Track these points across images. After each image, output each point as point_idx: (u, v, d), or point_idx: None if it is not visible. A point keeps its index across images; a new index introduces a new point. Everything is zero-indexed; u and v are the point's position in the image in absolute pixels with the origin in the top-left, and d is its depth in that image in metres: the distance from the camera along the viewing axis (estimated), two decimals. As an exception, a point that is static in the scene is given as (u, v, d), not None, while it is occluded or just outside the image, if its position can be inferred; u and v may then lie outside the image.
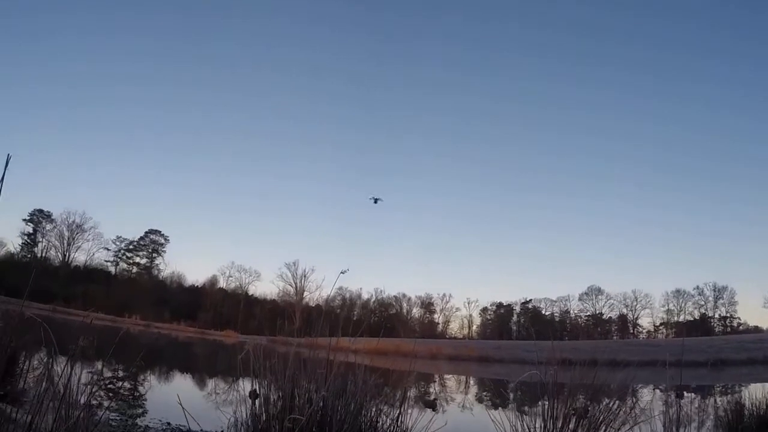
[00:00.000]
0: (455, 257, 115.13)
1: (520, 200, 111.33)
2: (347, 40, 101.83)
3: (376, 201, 21.88)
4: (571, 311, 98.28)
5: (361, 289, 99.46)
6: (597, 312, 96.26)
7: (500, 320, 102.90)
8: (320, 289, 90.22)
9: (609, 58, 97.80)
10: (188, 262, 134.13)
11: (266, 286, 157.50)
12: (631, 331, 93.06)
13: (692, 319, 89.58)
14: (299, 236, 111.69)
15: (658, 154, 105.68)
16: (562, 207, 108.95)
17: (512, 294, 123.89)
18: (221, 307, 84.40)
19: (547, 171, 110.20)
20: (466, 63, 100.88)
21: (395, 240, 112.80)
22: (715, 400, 13.88)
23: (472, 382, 23.18)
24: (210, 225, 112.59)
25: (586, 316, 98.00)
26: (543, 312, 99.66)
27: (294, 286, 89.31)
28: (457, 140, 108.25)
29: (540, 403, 4.59)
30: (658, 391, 28.12)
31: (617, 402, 4.59)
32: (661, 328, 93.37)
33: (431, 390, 16.08)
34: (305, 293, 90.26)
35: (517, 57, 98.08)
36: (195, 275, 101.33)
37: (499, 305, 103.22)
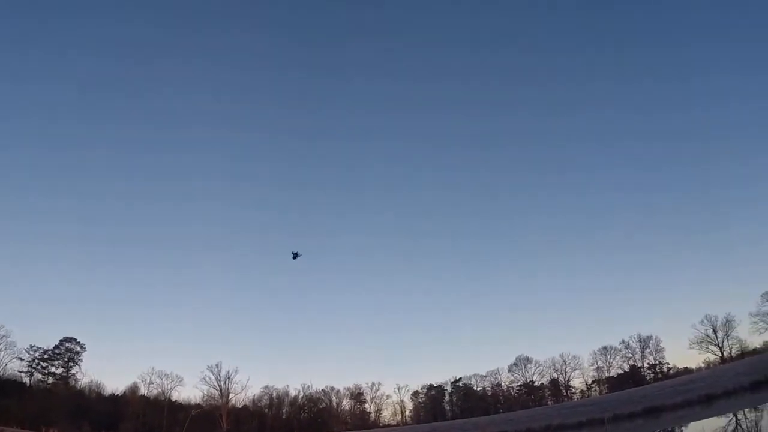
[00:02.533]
0: (382, 343, 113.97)
1: (435, 284, 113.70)
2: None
3: (295, 257, 21.02)
4: (503, 383, 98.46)
5: (287, 386, 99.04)
6: (528, 380, 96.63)
7: (432, 402, 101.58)
8: (246, 389, 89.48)
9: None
10: (106, 370, 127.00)
11: (190, 391, 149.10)
12: (564, 393, 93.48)
13: (623, 372, 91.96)
14: (220, 337, 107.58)
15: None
16: (484, 285, 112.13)
17: (442, 374, 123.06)
18: (144, 415, 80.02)
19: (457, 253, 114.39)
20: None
21: (319, 334, 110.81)
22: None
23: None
24: (127, 332, 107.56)
25: (518, 386, 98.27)
26: (474, 388, 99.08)
27: (218, 388, 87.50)
28: (380, 233, 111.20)
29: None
30: None
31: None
32: (593, 386, 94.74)
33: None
34: (231, 395, 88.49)
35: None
36: (114, 383, 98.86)
37: (430, 387, 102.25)
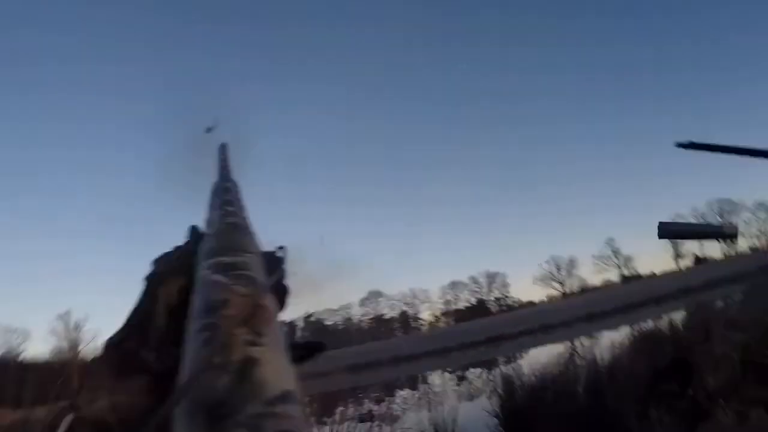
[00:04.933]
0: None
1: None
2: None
3: (209, 130, 17.24)
4: (354, 318, 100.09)
5: None
6: (379, 314, 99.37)
7: (285, 338, 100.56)
8: (97, 338, 78.70)
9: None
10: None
11: (40, 346, 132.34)
12: (413, 325, 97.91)
13: (470, 305, 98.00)
14: (69, 281, 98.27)
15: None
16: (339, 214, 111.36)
17: (293, 311, 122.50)
18: (-14, 379, 67.50)
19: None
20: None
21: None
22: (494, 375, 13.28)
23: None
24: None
25: (369, 319, 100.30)
26: (326, 323, 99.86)
27: (69, 340, 76.68)
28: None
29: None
30: (446, 373, 26.22)
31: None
32: (441, 317, 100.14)
33: None
34: (80, 346, 77.52)
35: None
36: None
37: (281, 324, 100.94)
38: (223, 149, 1.05)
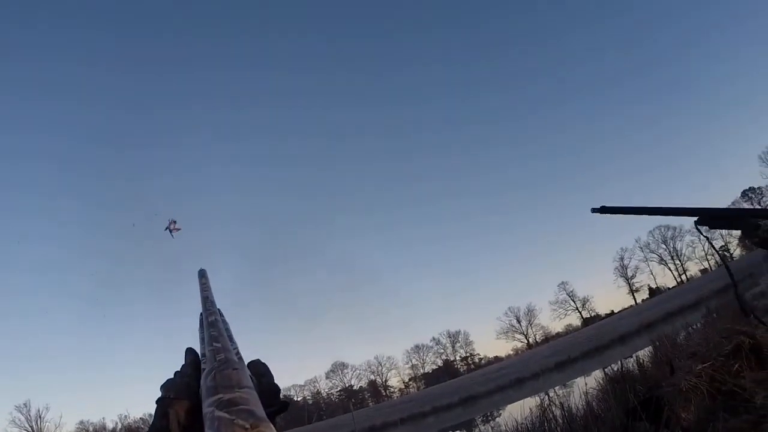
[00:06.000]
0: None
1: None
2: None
3: (171, 230, 16.86)
4: (322, 391, 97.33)
5: (104, 418, 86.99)
6: (347, 385, 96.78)
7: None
8: (59, 427, 79.41)
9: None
10: None
11: None
12: (384, 393, 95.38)
13: (437, 367, 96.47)
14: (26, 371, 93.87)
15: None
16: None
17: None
18: (-50, 477, 68.95)
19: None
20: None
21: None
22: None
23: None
24: None
25: (337, 391, 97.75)
26: (295, 398, 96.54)
27: (31, 430, 76.78)
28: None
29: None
30: None
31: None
32: (410, 383, 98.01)
33: None
34: None
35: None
36: None
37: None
38: (202, 275, 1.10)
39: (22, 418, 76.53)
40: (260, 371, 0.82)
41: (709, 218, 2.17)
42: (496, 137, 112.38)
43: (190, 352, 0.87)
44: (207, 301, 1.01)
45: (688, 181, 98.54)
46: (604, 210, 2.30)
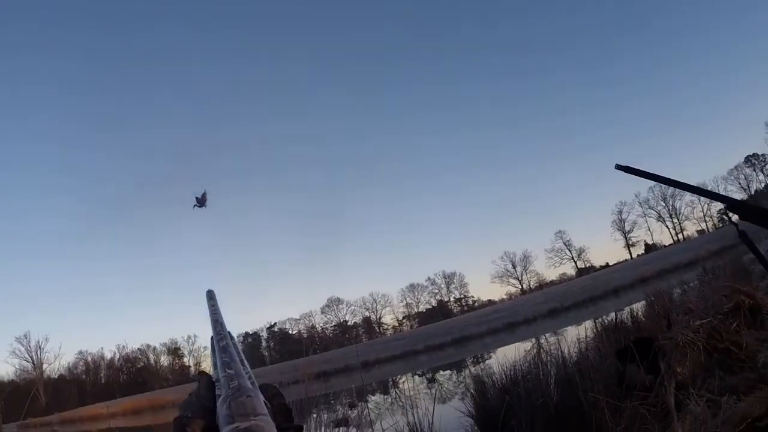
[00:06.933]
0: (195, 295, 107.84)
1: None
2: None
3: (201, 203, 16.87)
4: (317, 325, 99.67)
5: (102, 348, 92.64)
6: (341, 320, 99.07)
7: (251, 349, 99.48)
8: (59, 357, 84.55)
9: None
10: None
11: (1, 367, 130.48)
12: (377, 330, 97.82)
13: (431, 306, 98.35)
14: (24, 303, 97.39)
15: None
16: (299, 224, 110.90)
17: (256, 321, 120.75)
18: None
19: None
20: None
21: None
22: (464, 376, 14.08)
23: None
24: None
25: (332, 326, 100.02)
26: (290, 332, 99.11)
27: (31, 360, 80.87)
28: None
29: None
30: (416, 376, 26.39)
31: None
32: (404, 321, 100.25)
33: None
34: (45, 365, 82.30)
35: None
36: None
37: (246, 335, 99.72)
38: (210, 297, 1.12)
39: (22, 349, 79.86)
40: (271, 393, 0.86)
41: (742, 209, 2.12)
42: (513, 71, 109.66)
43: (203, 376, 0.90)
44: (217, 324, 1.02)
45: (692, 143, 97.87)
46: (629, 170, 2.23)
